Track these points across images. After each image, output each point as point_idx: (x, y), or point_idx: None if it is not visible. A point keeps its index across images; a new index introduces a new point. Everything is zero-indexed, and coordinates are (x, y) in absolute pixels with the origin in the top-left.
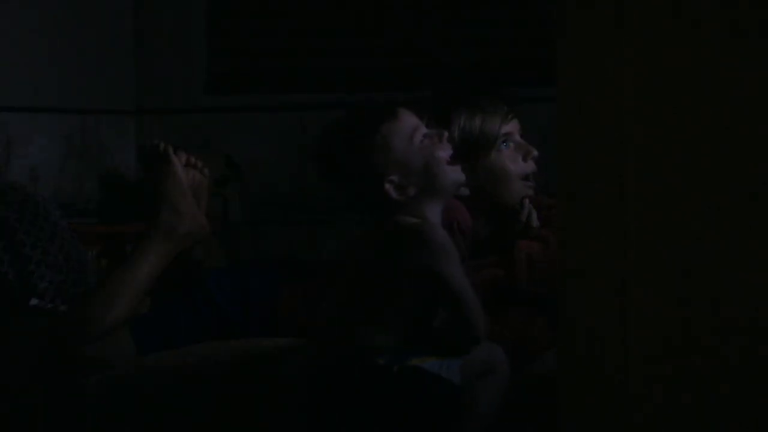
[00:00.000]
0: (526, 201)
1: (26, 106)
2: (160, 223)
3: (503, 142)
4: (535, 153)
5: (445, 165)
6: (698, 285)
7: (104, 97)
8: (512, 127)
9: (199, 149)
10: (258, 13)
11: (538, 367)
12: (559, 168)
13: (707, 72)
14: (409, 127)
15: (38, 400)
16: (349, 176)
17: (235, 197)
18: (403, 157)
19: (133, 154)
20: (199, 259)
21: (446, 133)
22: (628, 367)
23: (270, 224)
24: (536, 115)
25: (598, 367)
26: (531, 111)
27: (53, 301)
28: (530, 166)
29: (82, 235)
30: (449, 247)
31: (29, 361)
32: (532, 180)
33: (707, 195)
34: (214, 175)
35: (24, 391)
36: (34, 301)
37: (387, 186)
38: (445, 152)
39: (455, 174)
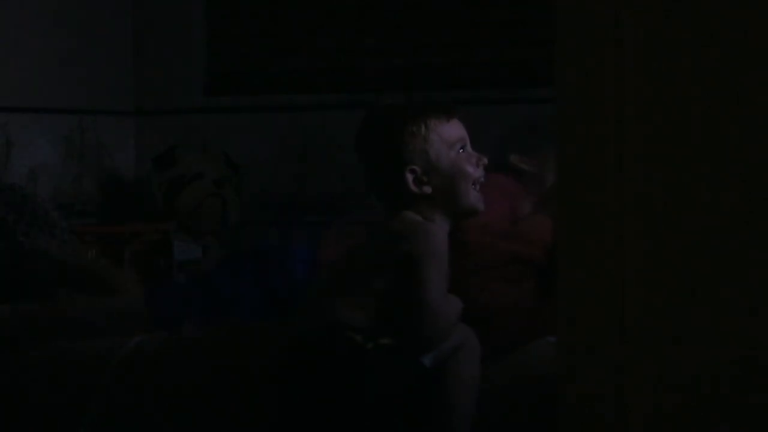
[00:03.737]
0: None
1: (26, 107)
2: None
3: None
4: (485, 160)
5: (471, 185)
6: (697, 291)
7: (104, 97)
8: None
9: (197, 150)
10: (257, 14)
11: (520, 360)
12: (558, 169)
13: (708, 71)
14: (456, 134)
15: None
16: (378, 151)
17: (233, 198)
18: (435, 155)
19: (133, 154)
20: (198, 258)
21: (486, 160)
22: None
23: (269, 225)
24: (536, 115)
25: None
26: (530, 111)
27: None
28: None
29: (82, 235)
30: (441, 254)
31: None
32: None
33: (707, 196)
34: (213, 175)
35: None
36: None
37: (407, 174)
38: (476, 173)
39: (476, 199)
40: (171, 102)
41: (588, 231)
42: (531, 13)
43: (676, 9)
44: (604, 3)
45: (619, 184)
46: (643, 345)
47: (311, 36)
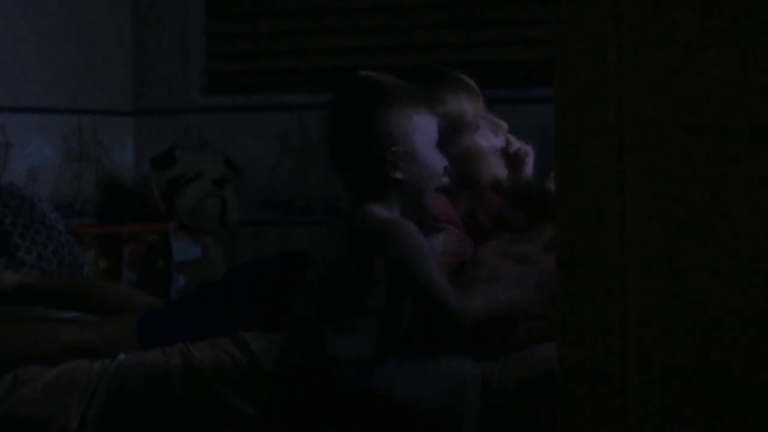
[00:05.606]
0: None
1: (24, 107)
2: None
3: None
4: (504, 125)
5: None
6: (698, 289)
7: (102, 97)
8: (478, 103)
9: (197, 150)
10: (256, 14)
11: (521, 361)
12: (557, 169)
13: (708, 71)
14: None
15: None
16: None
17: (233, 198)
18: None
19: (132, 154)
20: (197, 258)
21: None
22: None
23: (269, 225)
24: (536, 115)
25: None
26: (531, 111)
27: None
28: (501, 140)
29: (80, 236)
30: (419, 241)
31: None
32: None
33: (707, 196)
34: (213, 175)
35: None
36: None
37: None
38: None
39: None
40: (170, 102)
41: (588, 232)
42: (531, 13)
43: (675, 8)
44: (604, 3)
45: (619, 184)
46: (644, 345)
47: (311, 36)
